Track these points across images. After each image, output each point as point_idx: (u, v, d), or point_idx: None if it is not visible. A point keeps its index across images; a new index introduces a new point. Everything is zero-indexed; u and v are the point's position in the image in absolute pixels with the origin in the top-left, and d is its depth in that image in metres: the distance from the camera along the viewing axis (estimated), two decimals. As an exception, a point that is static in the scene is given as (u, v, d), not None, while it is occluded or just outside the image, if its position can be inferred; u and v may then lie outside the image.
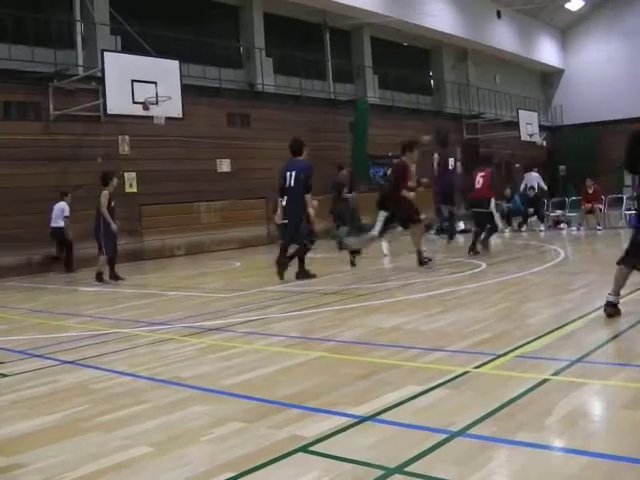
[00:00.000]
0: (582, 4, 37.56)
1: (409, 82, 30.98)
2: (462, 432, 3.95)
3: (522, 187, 24.48)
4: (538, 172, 24.69)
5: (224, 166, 21.45)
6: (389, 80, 29.62)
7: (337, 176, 18.40)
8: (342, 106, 25.44)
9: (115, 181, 13.54)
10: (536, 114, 32.83)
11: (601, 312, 7.20)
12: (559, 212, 23.03)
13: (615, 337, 6.24)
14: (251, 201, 21.96)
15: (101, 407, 4.86)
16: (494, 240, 16.82)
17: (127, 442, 4.10)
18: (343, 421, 4.22)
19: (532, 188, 23.49)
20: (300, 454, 3.76)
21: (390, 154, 25.28)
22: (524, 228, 21.67)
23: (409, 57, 31.76)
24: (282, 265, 11.82)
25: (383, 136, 25.58)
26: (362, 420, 4.23)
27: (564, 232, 20.49)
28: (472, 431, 3.97)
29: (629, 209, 21.32)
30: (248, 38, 23.95)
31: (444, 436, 3.88)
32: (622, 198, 22.26)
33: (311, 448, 3.83)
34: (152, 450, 3.94)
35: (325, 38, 26.95)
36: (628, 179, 28.59)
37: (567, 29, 40.36)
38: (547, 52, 39.63)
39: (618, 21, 37.98)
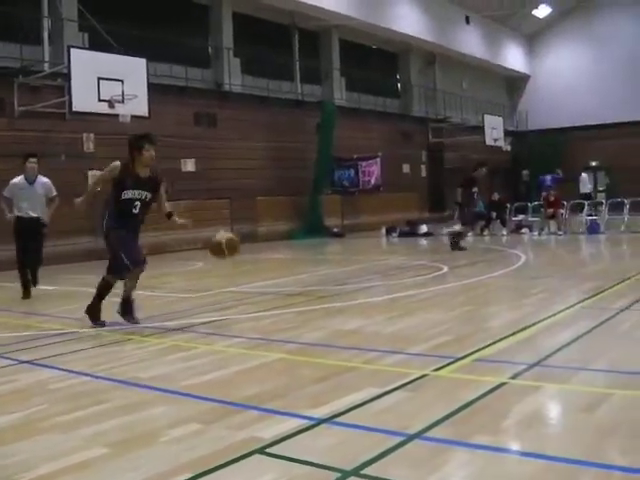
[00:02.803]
0: (549, 11, 37.91)
1: (376, 85, 31.02)
2: (419, 435, 3.99)
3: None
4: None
5: (189, 165, 21.34)
6: (356, 82, 29.65)
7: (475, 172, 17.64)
8: (309, 107, 25.42)
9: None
10: (501, 119, 33.05)
11: (560, 316, 7.31)
12: (521, 217, 23.23)
13: (573, 341, 6.31)
14: (216, 201, 21.86)
15: (59, 407, 4.83)
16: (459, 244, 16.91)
17: (85, 443, 4.08)
18: (301, 423, 4.24)
19: (587, 195, 24.61)
20: (257, 456, 3.77)
21: (355, 156, 25.41)
22: (486, 232, 21.83)
23: (377, 60, 31.80)
24: None
25: (349, 138, 25.64)
26: (320, 422, 4.26)
27: (526, 237, 20.67)
28: (429, 434, 4.01)
29: (590, 214, 21.59)
30: (216, 37, 23.85)
31: (401, 439, 3.92)
32: (583, 204, 22.51)
33: (268, 450, 3.84)
34: (110, 451, 3.93)
35: (293, 39, 26.93)
36: (584, 187, 29.13)
37: (534, 35, 40.67)
38: (514, 58, 39.93)
39: (585, 29, 38.35)
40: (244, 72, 24.41)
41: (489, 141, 31.32)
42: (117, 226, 7.75)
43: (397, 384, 5.00)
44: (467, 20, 34.68)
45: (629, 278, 10.39)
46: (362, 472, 3.50)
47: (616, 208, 21.67)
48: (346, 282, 11.33)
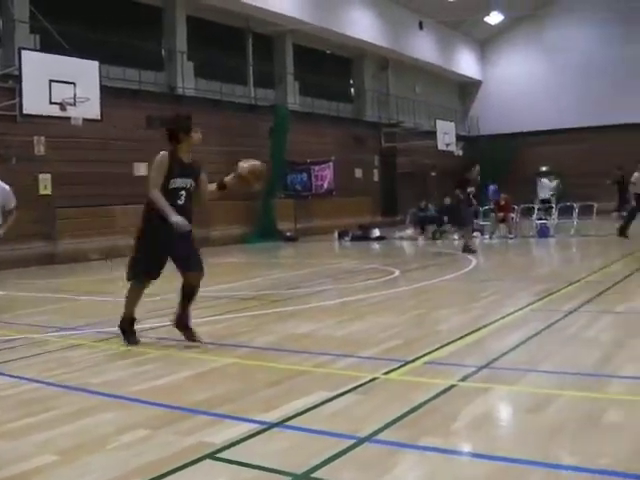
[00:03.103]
0: (502, 18, 38.33)
1: (330, 89, 31.13)
2: (369, 438, 4.02)
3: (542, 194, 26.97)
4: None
5: (141, 169, 21.17)
6: (310, 87, 29.72)
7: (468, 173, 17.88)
8: (262, 112, 25.41)
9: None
10: (453, 124, 33.31)
11: (510, 319, 7.42)
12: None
13: (521, 343, 6.41)
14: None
15: (8, 415, 4.76)
16: (409, 248, 17.06)
17: (35, 450, 4.04)
18: (252, 427, 4.25)
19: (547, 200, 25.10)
20: (207, 461, 3.77)
21: (308, 161, 25.45)
22: (438, 236, 22.00)
23: (331, 65, 31.92)
24: None
25: (302, 143, 25.66)
26: (271, 426, 4.27)
27: (477, 240, 20.85)
28: (379, 437, 4.04)
29: (540, 218, 21.88)
30: (170, 41, 23.74)
31: (351, 442, 3.95)
32: (533, 208, 22.78)
33: (218, 455, 3.84)
34: (60, 458, 3.90)
35: (247, 43, 26.91)
36: (541, 190, 29.52)
37: (486, 42, 41.13)
38: (466, 64, 40.35)
39: (537, 36, 38.86)
40: (197, 76, 24.34)
41: (441, 146, 31.56)
42: (162, 223, 6.73)
43: (348, 387, 5.04)
44: (420, 26, 34.92)
45: (578, 281, 10.58)
46: (313, 475, 3.53)
47: (566, 212, 22.01)
48: (299, 286, 11.36)
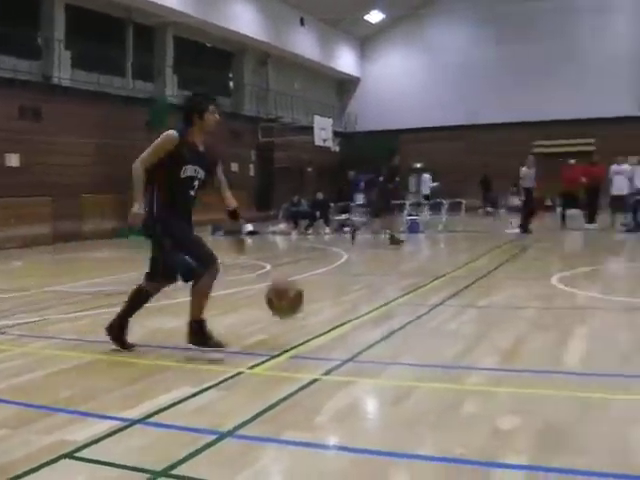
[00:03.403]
0: (382, 17, 38.83)
1: (209, 83, 30.89)
2: (231, 433, 4.05)
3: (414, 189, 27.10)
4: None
5: (13, 160, 20.50)
6: (189, 80, 29.42)
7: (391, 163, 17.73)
8: (140, 104, 24.99)
9: None
10: (331, 120, 33.52)
11: (377, 313, 7.56)
12: (344, 216, 23.72)
13: (386, 337, 6.57)
14: (38, 198, 21.06)
15: None
16: (281, 243, 17.09)
17: None
18: (113, 425, 4.21)
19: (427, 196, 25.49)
20: (66, 460, 3.71)
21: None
22: (310, 231, 22.19)
23: (211, 58, 31.69)
24: None
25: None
26: (132, 423, 4.25)
27: (348, 235, 21.11)
28: (241, 432, 4.08)
29: (410, 215, 22.34)
30: (48, 29, 23.02)
31: (213, 437, 3.97)
32: (404, 204, 23.22)
33: (78, 454, 3.79)
34: None
35: (127, 34, 26.38)
36: (412, 184, 30.05)
37: (366, 39, 41.50)
38: (345, 61, 40.70)
39: (417, 35, 39.42)
40: (75, 66, 23.70)
41: (318, 141, 31.77)
42: (175, 217, 6.10)
43: (212, 382, 5.05)
44: (302, 22, 35.11)
45: (444, 275, 10.91)
46: (172, 472, 3.53)
47: (435, 208, 22.58)
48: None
